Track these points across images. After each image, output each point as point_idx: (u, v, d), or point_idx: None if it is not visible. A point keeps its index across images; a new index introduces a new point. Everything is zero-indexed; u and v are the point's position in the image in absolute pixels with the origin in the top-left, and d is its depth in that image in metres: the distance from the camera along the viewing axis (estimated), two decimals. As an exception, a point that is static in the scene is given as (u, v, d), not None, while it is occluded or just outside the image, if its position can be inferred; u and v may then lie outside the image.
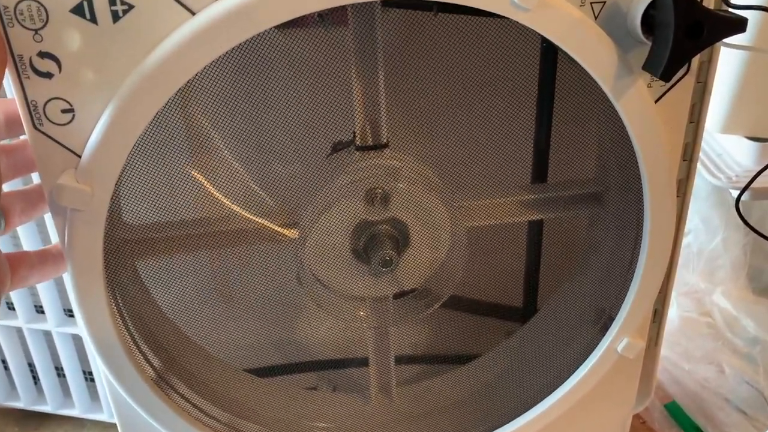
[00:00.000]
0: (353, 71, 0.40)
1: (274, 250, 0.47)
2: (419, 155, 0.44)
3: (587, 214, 0.49)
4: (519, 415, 0.49)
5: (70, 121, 0.33)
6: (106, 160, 0.34)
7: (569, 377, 0.47)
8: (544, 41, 0.42)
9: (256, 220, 0.42)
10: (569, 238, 0.54)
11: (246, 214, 0.42)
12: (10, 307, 0.56)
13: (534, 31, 0.34)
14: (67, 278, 0.54)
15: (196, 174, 0.42)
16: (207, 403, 0.46)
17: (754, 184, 0.54)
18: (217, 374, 0.49)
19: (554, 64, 0.45)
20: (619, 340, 0.45)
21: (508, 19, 0.33)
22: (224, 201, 0.43)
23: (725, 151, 0.56)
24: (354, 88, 0.41)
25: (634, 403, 0.51)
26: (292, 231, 0.42)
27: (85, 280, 0.37)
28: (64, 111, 0.33)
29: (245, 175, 0.44)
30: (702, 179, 0.58)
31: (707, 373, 0.59)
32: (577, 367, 0.47)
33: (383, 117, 0.42)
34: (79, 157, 0.34)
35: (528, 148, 0.49)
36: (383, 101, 0.41)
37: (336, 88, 0.44)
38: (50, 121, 0.33)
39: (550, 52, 0.45)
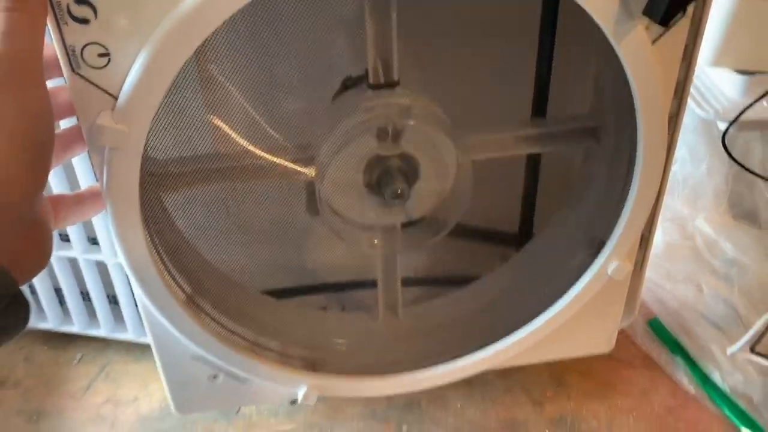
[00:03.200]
0: (367, 11, 0.42)
1: (288, 182, 0.49)
2: (428, 93, 0.46)
3: (583, 147, 0.52)
4: (515, 330, 0.53)
5: (107, 65, 0.35)
6: (142, 101, 0.36)
7: (562, 297, 0.52)
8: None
9: (277, 160, 0.45)
10: (565, 169, 0.57)
11: (267, 156, 0.45)
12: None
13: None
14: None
15: (218, 121, 0.44)
16: (233, 323, 0.50)
17: (741, 118, 0.57)
18: (240, 297, 0.53)
19: (556, 5, 0.47)
20: (609, 263, 0.49)
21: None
22: (246, 144, 0.45)
23: (714, 84, 0.59)
24: (367, 27, 0.43)
25: (621, 319, 0.56)
26: (309, 168, 0.45)
27: (123, 213, 0.40)
28: (100, 55, 0.35)
29: (263, 117, 0.46)
30: (689, 111, 0.61)
31: (687, 293, 0.64)
32: (570, 288, 0.51)
33: (394, 55, 0.44)
34: (115, 98, 0.36)
35: (529, 84, 0.51)
36: (394, 40, 0.43)
37: (349, 28, 0.45)
38: (87, 64, 0.35)
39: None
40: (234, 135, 0.45)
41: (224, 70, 0.45)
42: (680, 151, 0.67)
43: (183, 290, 0.47)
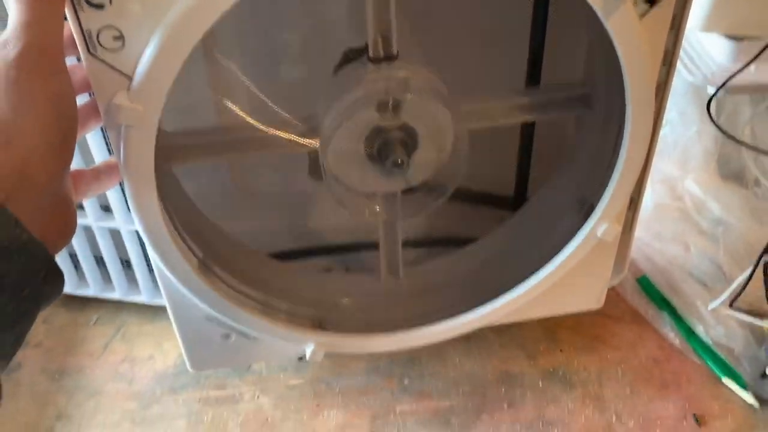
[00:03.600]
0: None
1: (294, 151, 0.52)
2: (427, 63, 0.47)
3: (576, 114, 0.54)
4: (510, 290, 0.56)
5: (121, 47, 0.37)
6: (155, 81, 0.38)
7: (555, 257, 0.54)
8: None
9: (283, 133, 0.47)
10: (558, 133, 0.59)
11: (273, 129, 0.47)
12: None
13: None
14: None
15: (225, 97, 0.46)
16: (244, 286, 0.53)
17: (730, 82, 0.59)
18: (249, 260, 0.56)
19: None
20: (599, 225, 0.52)
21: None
22: (251, 119, 0.47)
23: (704, 48, 0.60)
24: (367, 3, 0.44)
25: (610, 278, 0.59)
26: (314, 139, 0.47)
27: (140, 187, 0.42)
28: (115, 38, 0.37)
29: (267, 92, 0.48)
30: (680, 75, 0.62)
31: (675, 251, 0.67)
32: (562, 248, 0.54)
33: (393, 30, 0.45)
34: (130, 78, 0.38)
35: (523, 54, 0.53)
36: (393, 15, 0.45)
37: (349, 1, 0.47)
38: (103, 47, 0.37)
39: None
40: (240, 110, 0.47)
41: (229, 48, 0.47)
42: (671, 113, 0.69)
43: (196, 256, 0.50)
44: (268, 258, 0.59)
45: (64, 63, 0.34)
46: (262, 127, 0.47)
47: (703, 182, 0.66)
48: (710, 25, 0.60)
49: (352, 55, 0.49)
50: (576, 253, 0.54)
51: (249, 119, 0.48)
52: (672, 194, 0.68)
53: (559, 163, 0.58)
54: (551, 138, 0.58)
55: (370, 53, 0.46)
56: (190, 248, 0.49)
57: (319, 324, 0.56)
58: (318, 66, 0.50)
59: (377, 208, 0.52)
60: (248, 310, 0.52)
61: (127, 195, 0.43)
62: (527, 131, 0.58)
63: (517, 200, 0.63)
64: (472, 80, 0.51)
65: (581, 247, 0.53)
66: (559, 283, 0.55)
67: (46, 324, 0.70)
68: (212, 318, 0.53)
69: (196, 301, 0.50)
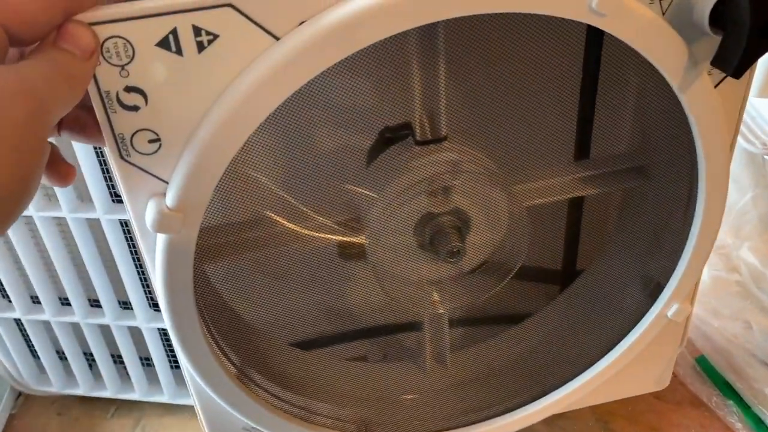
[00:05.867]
0: (415, 69, 0.40)
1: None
2: (474, 142, 0.44)
3: (632, 186, 0.51)
4: (571, 379, 0.52)
5: (157, 150, 0.34)
6: (198, 185, 0.34)
7: (619, 342, 0.50)
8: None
9: (327, 236, 0.43)
10: (609, 203, 0.55)
11: (316, 233, 0.43)
12: (65, 303, 0.58)
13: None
14: (128, 281, 0.55)
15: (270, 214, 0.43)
16: (282, 390, 0.49)
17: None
18: (285, 359, 0.51)
19: (600, 46, 0.45)
20: (670, 306, 0.47)
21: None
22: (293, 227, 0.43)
23: (759, 114, 0.57)
24: (414, 85, 0.41)
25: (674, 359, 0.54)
26: (360, 237, 0.43)
27: (178, 299, 0.38)
28: (150, 141, 0.33)
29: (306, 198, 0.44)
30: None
31: (735, 330, 0.61)
32: (628, 332, 0.50)
33: (443, 110, 0.42)
34: (166, 183, 0.35)
35: (573, 127, 0.49)
36: (443, 95, 0.41)
37: (396, 85, 0.44)
38: (137, 151, 0.34)
39: (595, 35, 0.45)
40: (279, 219, 0.44)
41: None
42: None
43: (232, 362, 0.45)
44: (304, 354, 0.54)
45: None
46: (305, 231, 0.44)
47: (759, 251, 0.62)
48: (765, 91, 0.57)
49: (391, 135, 0.45)
50: (644, 336, 0.50)
51: (288, 225, 0.44)
52: (727, 265, 0.63)
53: (613, 237, 0.54)
54: (602, 208, 0.55)
55: (417, 136, 0.43)
56: (226, 355, 0.45)
57: (365, 428, 0.51)
58: (352, 149, 0.46)
59: (431, 296, 0.48)
60: (288, 418, 0.48)
61: (161, 305, 0.39)
62: (575, 201, 0.54)
63: (565, 275, 0.58)
64: (521, 156, 0.48)
65: (650, 330, 0.49)
66: (624, 366, 0.51)
67: (60, 416, 0.65)
68: (250, 428, 0.48)
69: (232, 411, 0.46)
